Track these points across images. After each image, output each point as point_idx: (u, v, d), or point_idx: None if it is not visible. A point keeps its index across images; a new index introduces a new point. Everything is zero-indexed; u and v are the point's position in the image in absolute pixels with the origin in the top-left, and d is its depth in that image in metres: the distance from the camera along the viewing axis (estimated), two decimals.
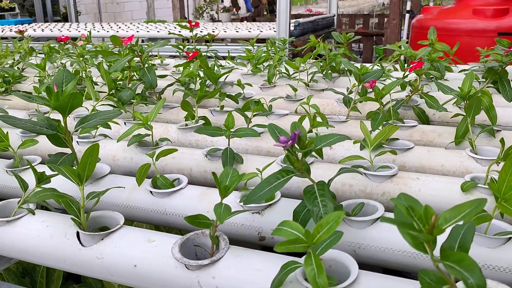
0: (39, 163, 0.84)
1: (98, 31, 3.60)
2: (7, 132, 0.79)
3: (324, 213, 0.51)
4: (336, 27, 4.11)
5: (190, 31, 1.83)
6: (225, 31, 3.25)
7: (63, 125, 0.68)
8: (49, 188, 0.60)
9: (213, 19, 6.80)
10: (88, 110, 1.19)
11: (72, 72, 0.69)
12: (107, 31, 3.60)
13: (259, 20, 7.75)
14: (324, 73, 1.47)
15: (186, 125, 1.02)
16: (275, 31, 3.17)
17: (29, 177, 0.76)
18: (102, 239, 0.59)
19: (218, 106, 1.15)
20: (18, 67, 1.77)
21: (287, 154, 0.55)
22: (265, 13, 8.16)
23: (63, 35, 1.81)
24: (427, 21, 3.14)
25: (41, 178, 0.64)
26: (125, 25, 4.09)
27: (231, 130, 0.81)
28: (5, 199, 0.71)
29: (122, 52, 1.68)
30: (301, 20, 3.10)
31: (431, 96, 1.00)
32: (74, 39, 4.26)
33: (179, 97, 1.30)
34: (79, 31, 3.63)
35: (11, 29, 3.90)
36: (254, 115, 0.96)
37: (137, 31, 3.46)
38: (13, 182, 0.79)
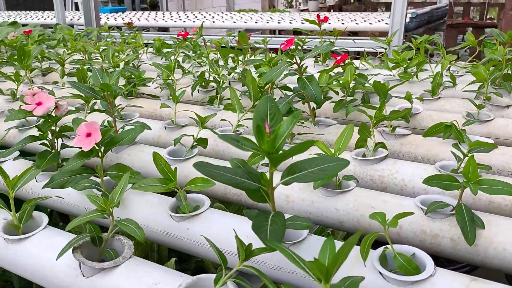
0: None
1: (193, 21, 3.49)
2: (175, 168, 0.63)
3: None
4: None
5: (318, 26, 1.63)
6: (329, 23, 3.00)
7: (268, 178, 0.50)
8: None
9: (302, 9, 6.54)
10: (232, 124, 1.02)
11: (268, 98, 0.50)
12: (203, 21, 3.48)
13: (346, 9, 7.38)
14: (496, 82, 1.20)
15: (364, 155, 0.82)
16: (386, 24, 2.88)
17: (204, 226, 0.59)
18: None
19: (388, 127, 0.93)
20: (133, 64, 1.66)
21: None
22: (352, 1, 7.76)
23: (180, 31, 1.66)
24: None
25: (249, 252, 0.46)
26: (219, 14, 3.95)
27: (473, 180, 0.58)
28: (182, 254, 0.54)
29: (247, 50, 1.51)
30: (419, 11, 2.77)
31: None
32: (164, 29, 4.18)
33: (328, 111, 1.10)
34: (174, 21, 3.54)
35: (107, 18, 3.90)
36: (470, 149, 0.72)
37: (234, 22, 3.31)
38: (181, 230, 0.63)
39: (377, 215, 0.52)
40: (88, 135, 0.66)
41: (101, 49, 1.54)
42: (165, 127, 1.04)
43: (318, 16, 1.63)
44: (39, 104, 0.79)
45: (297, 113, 0.49)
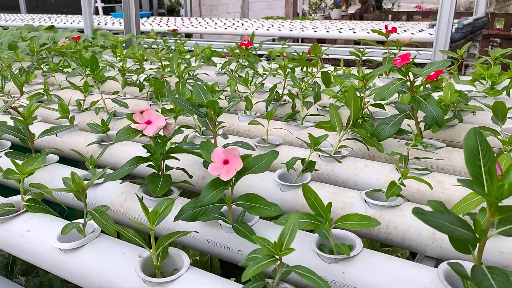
0: None
1: (226, 28, 3.43)
2: (329, 204, 0.56)
3: None
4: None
5: (386, 37, 1.56)
6: (368, 33, 2.93)
7: (484, 227, 0.42)
8: None
9: (325, 17, 6.48)
10: (332, 146, 0.95)
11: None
12: (235, 28, 3.42)
13: (367, 18, 7.31)
14: None
15: None
16: (430, 34, 2.81)
17: None
18: None
19: None
20: (189, 74, 1.59)
21: None
22: (372, 9, 7.70)
23: (243, 40, 1.60)
24: None
25: None
26: (248, 21, 3.89)
27: None
28: None
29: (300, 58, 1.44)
30: (464, 21, 2.70)
31: None
32: (188, 35, 4.13)
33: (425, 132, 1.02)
34: (205, 27, 3.49)
35: None
36: None
37: (279, 29, 3.24)
38: (335, 274, 0.56)
39: None
40: (226, 162, 0.60)
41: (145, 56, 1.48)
42: (255, 145, 0.97)
43: (386, 26, 1.57)
44: (148, 123, 0.73)
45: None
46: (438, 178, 0.77)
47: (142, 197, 0.74)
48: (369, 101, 1.02)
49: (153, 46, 2.13)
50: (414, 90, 0.89)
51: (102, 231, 0.62)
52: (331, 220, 0.56)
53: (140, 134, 0.73)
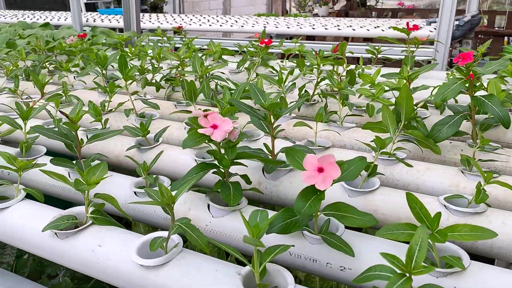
0: None
1: (221, 25, 3.38)
2: (438, 214, 0.52)
3: None
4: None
5: (407, 34, 1.54)
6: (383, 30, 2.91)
7: None
8: None
9: (313, 14, 6.47)
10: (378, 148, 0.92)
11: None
12: (231, 25, 3.37)
13: (352, 15, 7.34)
14: None
15: None
16: (430, 31, 2.82)
17: None
18: None
19: None
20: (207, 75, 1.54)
21: None
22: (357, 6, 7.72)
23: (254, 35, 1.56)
24: None
25: None
26: (242, 18, 3.83)
27: None
28: None
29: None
30: (465, 18, 2.71)
31: None
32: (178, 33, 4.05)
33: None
34: (201, 24, 3.43)
35: (117, 20, 3.73)
36: None
37: (288, 27, 3.20)
38: None
39: None
40: (320, 170, 0.56)
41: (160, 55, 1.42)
42: None
43: (407, 24, 1.55)
44: (214, 127, 0.68)
45: None
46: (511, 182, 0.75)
47: (209, 205, 0.70)
48: (421, 101, 1.00)
49: (158, 44, 2.06)
50: (473, 90, 0.86)
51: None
52: (440, 231, 0.53)
53: (201, 138, 0.68)
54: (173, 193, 0.56)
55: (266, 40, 1.50)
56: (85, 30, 3.09)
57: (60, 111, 0.74)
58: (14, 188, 0.73)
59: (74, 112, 0.77)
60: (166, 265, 0.55)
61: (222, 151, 0.71)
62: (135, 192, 0.75)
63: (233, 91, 1.07)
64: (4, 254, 1.30)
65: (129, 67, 1.10)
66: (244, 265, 0.53)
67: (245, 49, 1.73)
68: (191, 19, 3.76)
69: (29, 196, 0.73)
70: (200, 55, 1.66)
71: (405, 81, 1.07)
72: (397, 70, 1.58)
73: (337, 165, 0.55)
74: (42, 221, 0.65)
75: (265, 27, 3.10)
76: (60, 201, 0.86)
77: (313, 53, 1.56)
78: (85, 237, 0.61)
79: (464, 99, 1.01)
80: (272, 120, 0.79)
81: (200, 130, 0.68)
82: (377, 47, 1.69)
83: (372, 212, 0.72)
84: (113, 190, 0.74)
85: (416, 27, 1.55)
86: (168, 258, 0.55)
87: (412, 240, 0.46)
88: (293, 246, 0.60)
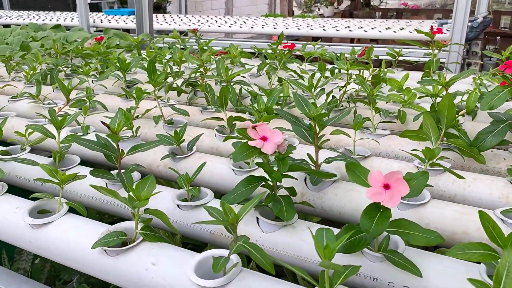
0: None
1: (230, 26, 3.36)
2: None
3: None
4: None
5: (431, 38, 1.52)
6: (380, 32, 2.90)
7: None
8: None
9: (319, 14, 6.44)
10: (426, 165, 0.90)
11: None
12: (240, 26, 3.35)
13: (356, 15, 7.31)
14: None
15: None
16: (444, 33, 2.79)
17: None
18: None
19: None
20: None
21: None
22: (361, 6, 7.70)
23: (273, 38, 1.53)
24: None
25: None
26: (250, 19, 3.81)
27: None
28: None
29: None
30: (478, 20, 2.69)
31: None
32: (183, 33, 4.06)
33: None
34: (210, 25, 3.40)
35: (124, 21, 3.71)
36: None
37: (284, 28, 3.17)
38: None
39: None
40: (386, 186, 0.54)
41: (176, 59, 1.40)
42: None
43: (431, 27, 1.53)
44: (264, 139, 0.66)
45: None
46: None
47: (258, 220, 0.68)
48: (463, 110, 0.98)
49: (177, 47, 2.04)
50: None
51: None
52: None
53: (251, 151, 0.66)
54: (236, 210, 0.54)
55: (289, 44, 1.48)
56: (97, 31, 3.07)
57: (102, 122, 0.72)
58: (55, 202, 0.70)
59: (114, 122, 0.75)
60: (227, 286, 0.53)
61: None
62: (178, 205, 0.73)
63: (263, 97, 1.04)
64: (21, 260, 1.28)
65: (158, 73, 1.07)
66: (309, 285, 0.51)
67: (263, 51, 1.71)
68: (198, 20, 3.74)
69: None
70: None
71: (440, 87, 1.05)
72: (416, 73, 1.57)
73: (405, 182, 0.53)
74: (88, 236, 0.63)
75: (281, 30, 3.07)
76: (25, 191, 0.82)
77: (335, 56, 1.54)
78: (137, 255, 0.59)
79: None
80: (317, 130, 0.77)
81: (250, 143, 0.65)
82: (397, 50, 1.66)
83: (425, 226, 0.70)
84: (156, 203, 0.72)
85: (440, 31, 1.53)
86: (229, 278, 0.53)
87: (499, 264, 0.44)
88: (361, 266, 0.58)
